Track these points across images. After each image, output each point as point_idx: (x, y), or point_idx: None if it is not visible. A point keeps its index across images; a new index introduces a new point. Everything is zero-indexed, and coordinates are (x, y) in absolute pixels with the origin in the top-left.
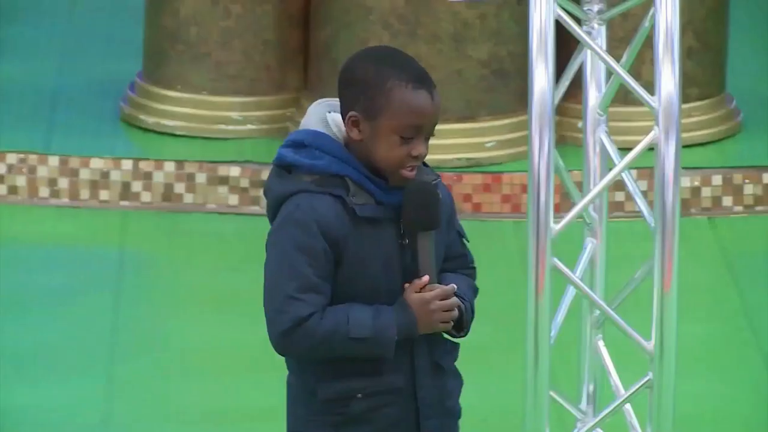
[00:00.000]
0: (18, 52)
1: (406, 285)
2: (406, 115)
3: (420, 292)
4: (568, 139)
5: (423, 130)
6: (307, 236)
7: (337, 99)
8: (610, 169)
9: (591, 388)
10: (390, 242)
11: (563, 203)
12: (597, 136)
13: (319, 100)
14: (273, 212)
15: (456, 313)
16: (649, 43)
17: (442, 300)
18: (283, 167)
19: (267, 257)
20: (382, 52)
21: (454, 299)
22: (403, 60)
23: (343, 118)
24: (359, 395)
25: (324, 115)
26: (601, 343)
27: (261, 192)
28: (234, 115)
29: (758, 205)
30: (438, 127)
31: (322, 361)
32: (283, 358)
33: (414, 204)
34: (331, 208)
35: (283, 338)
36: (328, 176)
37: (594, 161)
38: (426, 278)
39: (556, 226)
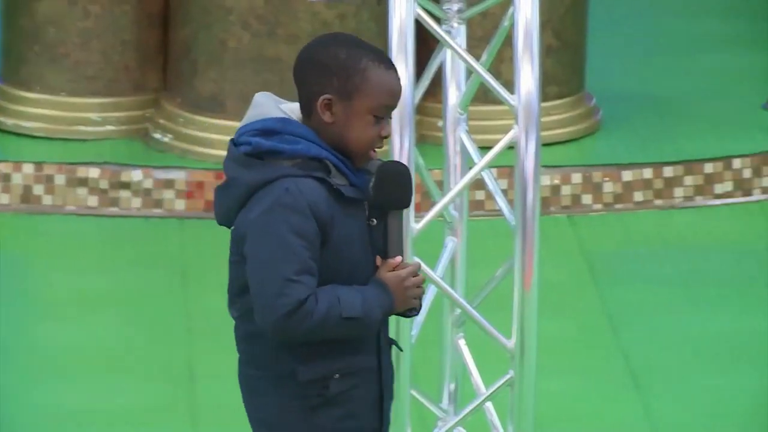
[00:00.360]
0: None
1: (378, 264)
2: (382, 95)
3: (393, 270)
4: (428, 138)
5: (392, 110)
6: (302, 219)
7: (272, 94)
8: (471, 168)
9: (452, 386)
10: (362, 223)
11: (423, 202)
12: (457, 134)
13: (262, 92)
14: (241, 202)
15: (424, 289)
16: (509, 41)
17: (414, 277)
18: (252, 155)
19: (256, 243)
20: (343, 37)
21: (422, 275)
22: (366, 43)
23: (308, 105)
24: (337, 375)
25: (277, 104)
26: (462, 342)
27: (120, 193)
28: (93, 116)
29: (617, 203)
30: None
31: (302, 344)
32: (147, 360)
33: (390, 184)
34: (316, 190)
35: (284, 321)
36: (307, 160)
37: (454, 160)
38: (399, 258)
39: (416, 225)
